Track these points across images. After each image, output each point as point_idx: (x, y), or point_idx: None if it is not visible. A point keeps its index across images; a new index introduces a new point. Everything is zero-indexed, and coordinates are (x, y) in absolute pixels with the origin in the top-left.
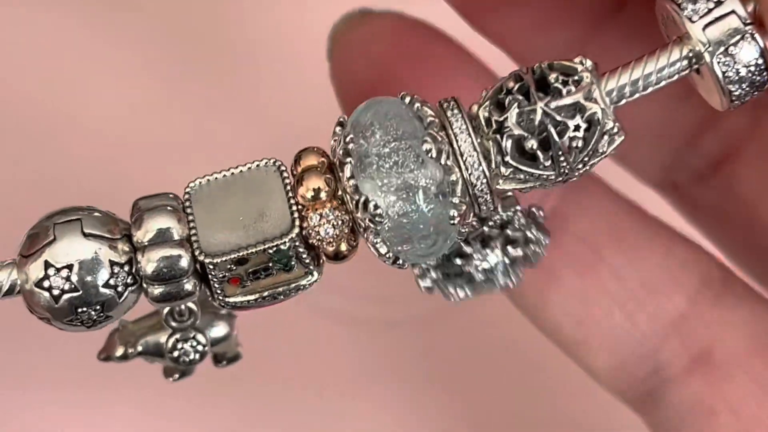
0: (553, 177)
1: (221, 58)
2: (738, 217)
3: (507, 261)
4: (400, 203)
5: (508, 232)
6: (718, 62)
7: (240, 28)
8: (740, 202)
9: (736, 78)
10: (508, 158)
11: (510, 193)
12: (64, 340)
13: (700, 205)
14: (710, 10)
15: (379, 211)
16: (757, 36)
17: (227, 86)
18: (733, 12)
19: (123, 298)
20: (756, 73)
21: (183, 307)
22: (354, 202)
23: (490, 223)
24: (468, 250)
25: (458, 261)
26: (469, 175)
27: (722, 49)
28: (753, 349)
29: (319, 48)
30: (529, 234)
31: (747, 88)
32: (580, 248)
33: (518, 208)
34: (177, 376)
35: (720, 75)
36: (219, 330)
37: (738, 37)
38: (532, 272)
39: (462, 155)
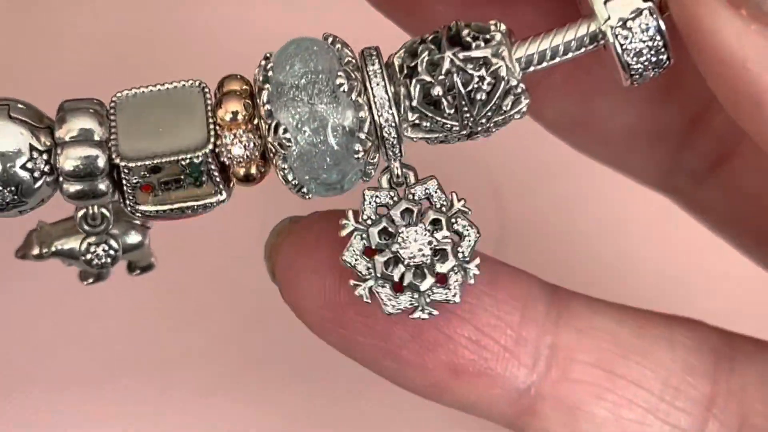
0: (457, 128)
1: None
2: (745, 212)
3: (434, 244)
4: (309, 133)
5: (431, 212)
6: (617, 35)
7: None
8: (745, 199)
9: (634, 52)
10: (414, 103)
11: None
12: (64, 342)
13: (704, 205)
14: None
15: (287, 135)
16: (656, 12)
17: None
18: None
19: (38, 184)
20: (654, 48)
21: (96, 211)
22: (266, 126)
23: (409, 196)
24: (392, 227)
25: (383, 240)
26: (379, 115)
27: (621, 23)
28: None
29: None
30: (458, 224)
31: (646, 64)
32: (593, 373)
33: (437, 183)
34: (91, 280)
35: (618, 48)
36: (132, 238)
37: (636, 12)
38: (556, 411)
39: (374, 96)
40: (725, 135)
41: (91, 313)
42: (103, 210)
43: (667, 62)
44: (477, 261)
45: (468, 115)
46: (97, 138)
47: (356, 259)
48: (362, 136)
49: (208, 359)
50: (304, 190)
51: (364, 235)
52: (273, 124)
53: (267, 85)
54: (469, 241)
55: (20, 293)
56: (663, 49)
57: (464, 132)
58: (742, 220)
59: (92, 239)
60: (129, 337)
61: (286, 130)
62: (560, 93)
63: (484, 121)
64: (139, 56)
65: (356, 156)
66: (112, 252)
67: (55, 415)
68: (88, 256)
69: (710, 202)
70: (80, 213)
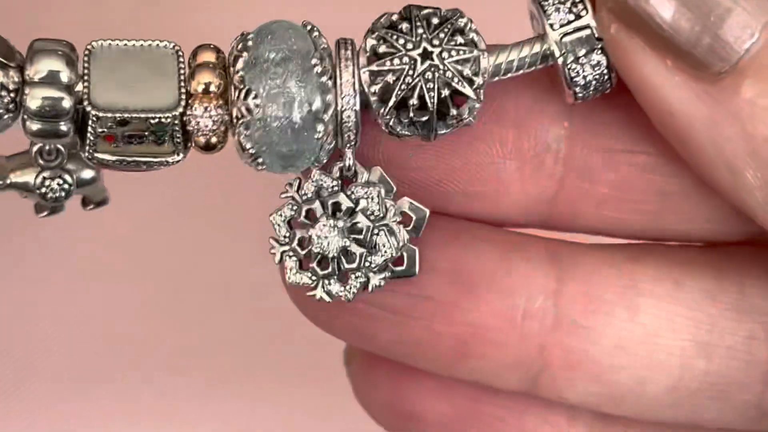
0: (410, 46)
1: None
2: None
3: (342, 244)
4: (275, 106)
5: (359, 216)
6: (569, 68)
7: None
8: None
9: (583, 83)
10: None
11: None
12: (64, 342)
13: None
14: (570, 22)
15: (257, 101)
16: (606, 51)
17: None
18: (588, 26)
19: (1, 119)
20: (600, 80)
21: (51, 146)
22: (237, 91)
23: (349, 192)
24: (318, 211)
25: (307, 219)
26: (342, 97)
27: (573, 57)
28: None
29: None
30: (378, 237)
31: (591, 91)
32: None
33: (380, 192)
34: (46, 213)
35: (569, 78)
36: (86, 173)
37: (589, 48)
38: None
39: (341, 79)
40: None
41: (91, 313)
42: (59, 146)
43: (610, 87)
44: (383, 275)
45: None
46: (64, 80)
47: (279, 225)
48: (325, 117)
49: (208, 359)
50: (260, 160)
51: (295, 207)
52: (244, 90)
53: (244, 53)
54: (382, 255)
55: (20, 292)
56: (608, 81)
57: (418, 51)
58: None
59: (47, 173)
60: (129, 337)
61: (256, 96)
62: None
63: (436, 42)
64: None
65: (316, 136)
66: (66, 186)
67: (55, 414)
68: (43, 190)
69: None
70: (35, 147)
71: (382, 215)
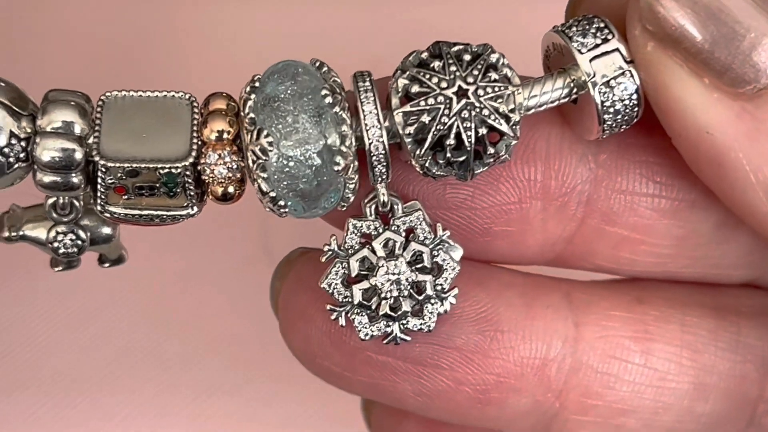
0: (445, 84)
1: None
2: None
3: (412, 278)
4: (290, 143)
5: (414, 244)
6: (600, 92)
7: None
8: None
9: (612, 110)
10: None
11: (416, 203)
12: (65, 342)
13: None
14: (597, 45)
15: (270, 139)
16: (635, 74)
17: None
18: (617, 50)
19: (12, 169)
20: (630, 107)
21: (66, 200)
22: (248, 133)
23: (394, 228)
24: (372, 258)
25: (363, 269)
26: (368, 132)
27: (604, 80)
28: None
29: None
30: (439, 258)
31: (619, 121)
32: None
33: (422, 215)
34: (61, 267)
35: (599, 103)
36: (102, 230)
37: (620, 72)
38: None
39: (365, 115)
40: None
41: (92, 314)
42: (74, 200)
43: (637, 116)
44: (455, 292)
45: (454, 70)
46: (77, 132)
47: (334, 287)
48: (344, 149)
49: (208, 359)
50: (281, 203)
51: (344, 264)
52: (255, 131)
53: (253, 95)
54: (448, 273)
55: (20, 293)
56: (637, 107)
57: (453, 89)
58: None
59: (61, 228)
60: (129, 337)
61: (268, 135)
62: None
63: (471, 80)
64: (136, 56)
65: (336, 168)
66: (79, 242)
67: (55, 414)
68: (55, 245)
69: None
70: (50, 201)
71: (433, 235)
